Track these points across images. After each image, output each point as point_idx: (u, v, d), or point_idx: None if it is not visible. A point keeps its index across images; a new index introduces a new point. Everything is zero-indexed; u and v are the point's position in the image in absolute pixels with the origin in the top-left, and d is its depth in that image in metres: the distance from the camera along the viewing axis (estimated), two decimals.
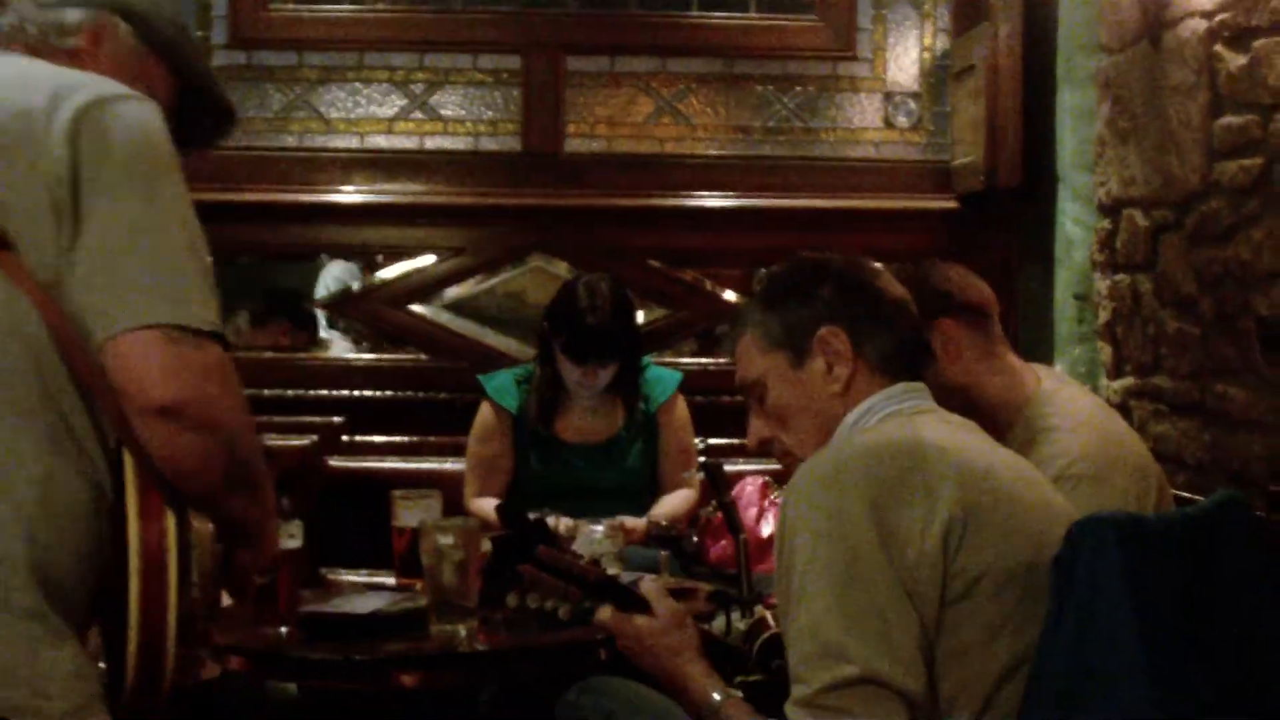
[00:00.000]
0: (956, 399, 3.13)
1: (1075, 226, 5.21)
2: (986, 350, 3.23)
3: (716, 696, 2.46)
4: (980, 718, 2.23)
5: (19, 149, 1.96)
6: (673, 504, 4.70)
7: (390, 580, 3.77)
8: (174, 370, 1.93)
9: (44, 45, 2.23)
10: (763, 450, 2.59)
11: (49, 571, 1.92)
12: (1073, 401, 3.22)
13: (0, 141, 1.97)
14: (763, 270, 5.08)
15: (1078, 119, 5.19)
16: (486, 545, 3.50)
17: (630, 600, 2.61)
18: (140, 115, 2.05)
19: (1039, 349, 5.18)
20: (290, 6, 5.62)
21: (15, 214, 1.94)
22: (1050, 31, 5.29)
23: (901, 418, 2.43)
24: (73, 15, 2.26)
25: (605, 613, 2.63)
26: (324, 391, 5.57)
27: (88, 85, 2.04)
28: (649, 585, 2.62)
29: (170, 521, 1.94)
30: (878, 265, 2.64)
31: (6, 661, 1.89)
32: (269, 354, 6.31)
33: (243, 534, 2.13)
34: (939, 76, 5.66)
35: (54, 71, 2.10)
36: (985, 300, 3.27)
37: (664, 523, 4.49)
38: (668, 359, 5.66)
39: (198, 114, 2.37)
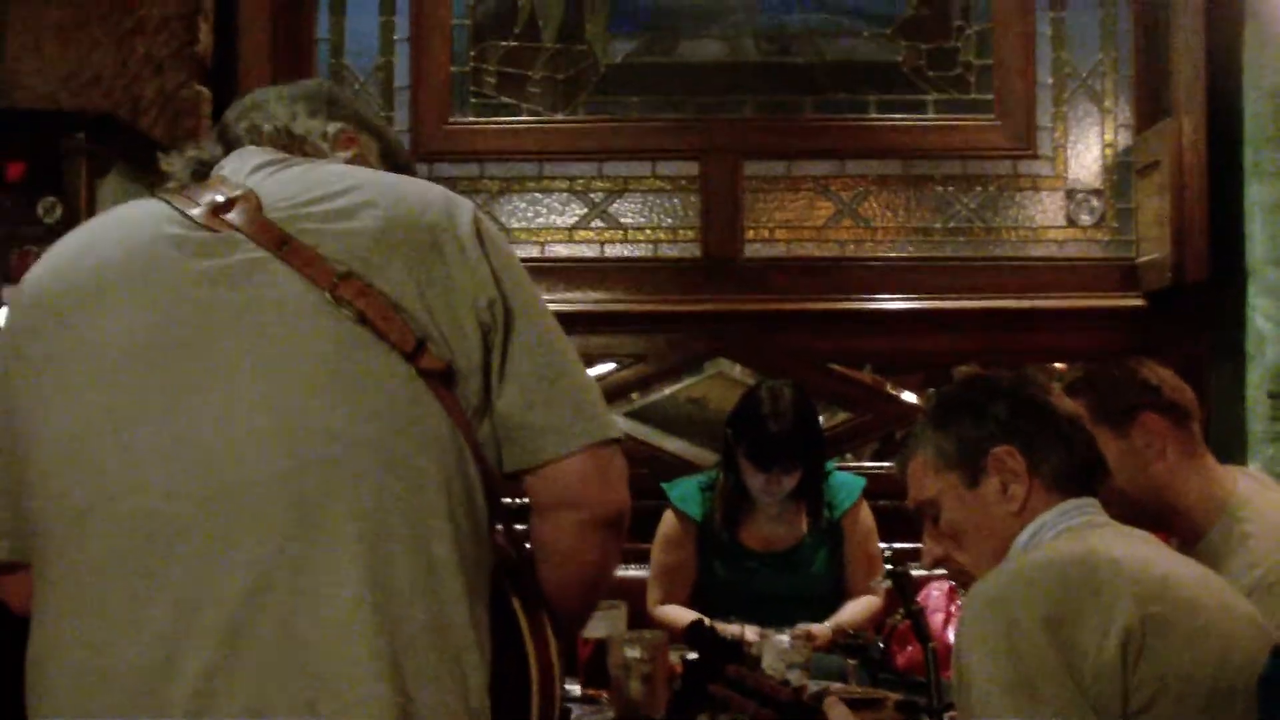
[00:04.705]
0: (1151, 500, 3.07)
1: (1266, 322, 5.10)
2: (1188, 450, 3.14)
3: None
4: None
5: (437, 270, 1.92)
6: (857, 610, 4.66)
7: (575, 689, 3.76)
8: (617, 481, 1.97)
9: (323, 157, 2.13)
10: (937, 568, 2.58)
11: None
12: (1270, 506, 3.13)
13: (417, 262, 1.91)
14: (931, 389, 5.01)
15: (1267, 212, 5.10)
16: (674, 657, 3.49)
17: None
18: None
19: (1231, 447, 5.06)
20: (470, 119, 5.70)
21: (451, 342, 1.90)
22: (1235, 125, 5.20)
23: (1074, 533, 2.41)
24: (332, 125, 2.16)
25: None
26: (507, 500, 5.55)
27: (448, 195, 2.00)
28: (837, 709, 2.60)
29: (548, 624, 1.97)
30: (1051, 374, 2.62)
31: None
32: None
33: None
34: (1122, 173, 5.58)
35: (408, 180, 2.04)
36: (1189, 401, 3.18)
37: (850, 630, 4.46)
38: (849, 463, 5.62)
39: None
